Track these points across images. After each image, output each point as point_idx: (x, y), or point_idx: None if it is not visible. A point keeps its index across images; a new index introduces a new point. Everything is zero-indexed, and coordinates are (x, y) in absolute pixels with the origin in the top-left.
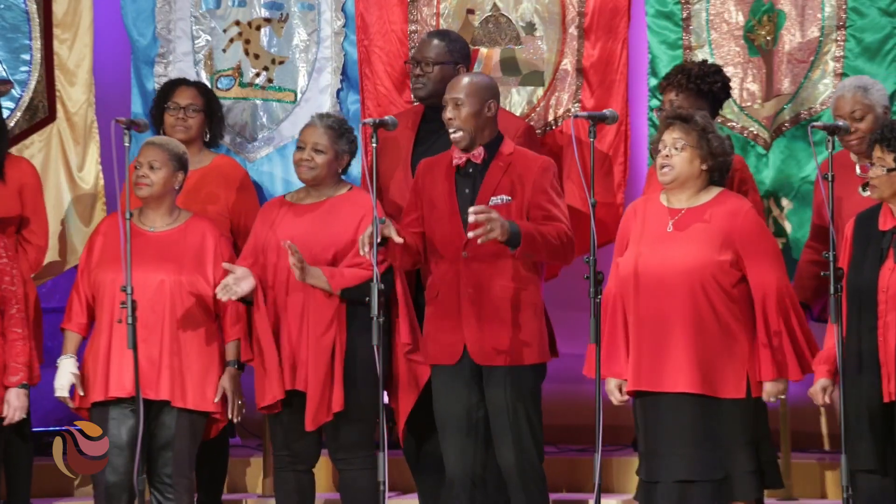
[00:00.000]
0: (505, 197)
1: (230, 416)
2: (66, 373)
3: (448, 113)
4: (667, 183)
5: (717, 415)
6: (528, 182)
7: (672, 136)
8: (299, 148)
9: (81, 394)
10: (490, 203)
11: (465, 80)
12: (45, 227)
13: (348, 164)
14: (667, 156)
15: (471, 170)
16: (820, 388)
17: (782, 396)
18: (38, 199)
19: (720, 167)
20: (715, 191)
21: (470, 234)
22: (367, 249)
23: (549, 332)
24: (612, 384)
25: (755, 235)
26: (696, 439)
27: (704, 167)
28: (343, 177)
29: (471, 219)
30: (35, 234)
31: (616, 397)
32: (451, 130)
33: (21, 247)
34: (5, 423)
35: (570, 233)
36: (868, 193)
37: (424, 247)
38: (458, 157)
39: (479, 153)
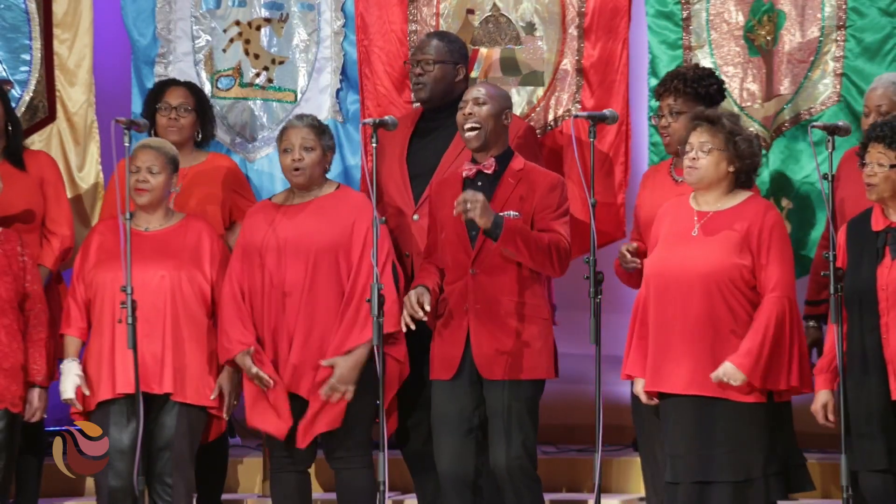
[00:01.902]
0: (513, 213)
1: (224, 415)
2: (70, 375)
3: (468, 108)
4: (692, 183)
5: (738, 418)
6: (536, 198)
7: (699, 139)
8: (287, 151)
9: (87, 393)
10: None
11: (486, 85)
12: (68, 217)
13: (331, 162)
14: (693, 158)
15: (480, 183)
16: (821, 406)
17: (734, 383)
18: (59, 190)
19: (748, 169)
20: (743, 194)
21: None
22: (415, 315)
23: (554, 350)
24: (639, 385)
25: (770, 237)
26: (715, 441)
27: (731, 169)
28: (331, 176)
29: (459, 199)
30: (59, 225)
31: (644, 398)
32: (467, 126)
33: (45, 238)
34: (25, 419)
35: (568, 246)
36: None
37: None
38: (469, 169)
39: (490, 164)
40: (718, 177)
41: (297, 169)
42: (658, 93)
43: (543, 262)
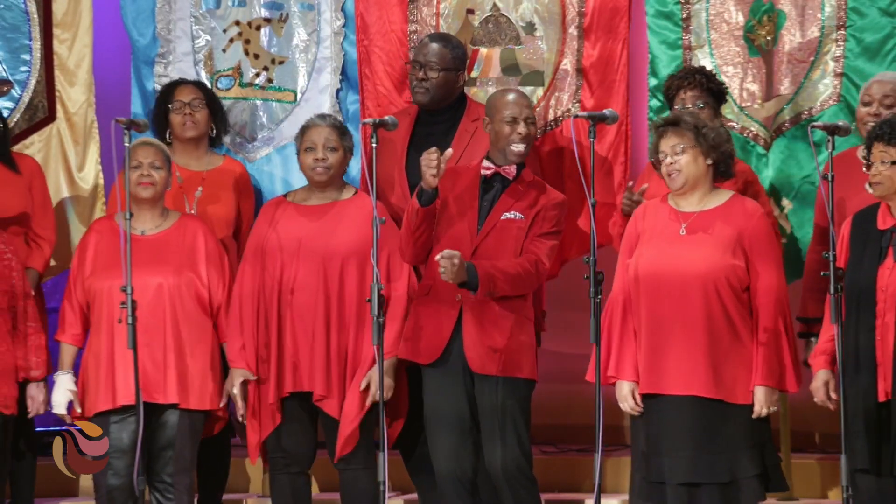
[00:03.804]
0: (518, 214)
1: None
2: (63, 390)
3: (521, 128)
4: (677, 188)
5: (726, 419)
6: (541, 209)
7: (669, 143)
8: (309, 150)
9: (79, 410)
10: (502, 217)
11: (522, 97)
12: (52, 222)
13: (348, 164)
14: (671, 163)
15: (495, 184)
16: (822, 384)
17: (773, 408)
18: (45, 195)
19: (724, 157)
20: (726, 194)
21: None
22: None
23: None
24: (625, 389)
25: (764, 240)
26: (703, 442)
27: (710, 162)
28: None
29: (436, 258)
30: (45, 229)
31: (629, 403)
32: (520, 145)
33: (33, 242)
34: (30, 415)
35: (540, 264)
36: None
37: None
38: (487, 168)
39: (511, 170)
40: (700, 173)
41: (320, 168)
42: (676, 86)
43: (522, 288)
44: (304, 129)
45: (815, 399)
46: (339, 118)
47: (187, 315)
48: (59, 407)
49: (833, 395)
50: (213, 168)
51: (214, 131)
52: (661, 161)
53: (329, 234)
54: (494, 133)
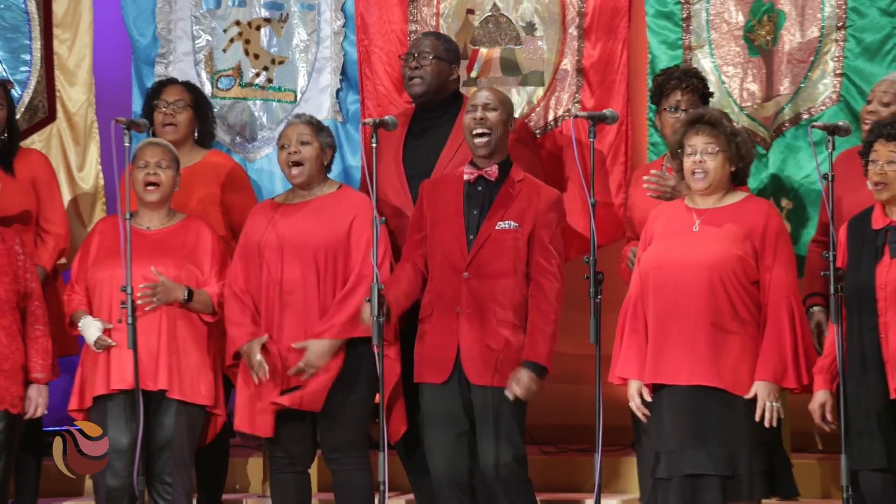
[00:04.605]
0: (513, 223)
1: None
2: (90, 328)
3: (478, 113)
4: (702, 189)
5: (729, 410)
6: (535, 212)
7: (703, 141)
8: (282, 147)
9: (110, 326)
10: (497, 228)
11: (492, 90)
12: (62, 215)
13: (331, 161)
14: (700, 161)
15: (480, 188)
16: (818, 405)
17: (776, 404)
18: (52, 189)
19: (746, 167)
20: (740, 193)
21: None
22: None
23: None
24: (633, 388)
25: (776, 238)
26: (706, 433)
27: (733, 169)
28: (332, 176)
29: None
30: (53, 224)
31: (636, 402)
32: (477, 132)
33: (40, 237)
34: (26, 417)
35: (559, 284)
36: None
37: (426, 269)
38: (470, 173)
39: (493, 171)
40: (724, 178)
41: (293, 164)
42: (671, 86)
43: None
44: (282, 131)
45: (814, 418)
46: (339, 118)
47: (186, 308)
48: (94, 334)
49: (829, 418)
50: (192, 164)
51: (198, 133)
52: (686, 155)
53: (307, 229)
54: (464, 128)
